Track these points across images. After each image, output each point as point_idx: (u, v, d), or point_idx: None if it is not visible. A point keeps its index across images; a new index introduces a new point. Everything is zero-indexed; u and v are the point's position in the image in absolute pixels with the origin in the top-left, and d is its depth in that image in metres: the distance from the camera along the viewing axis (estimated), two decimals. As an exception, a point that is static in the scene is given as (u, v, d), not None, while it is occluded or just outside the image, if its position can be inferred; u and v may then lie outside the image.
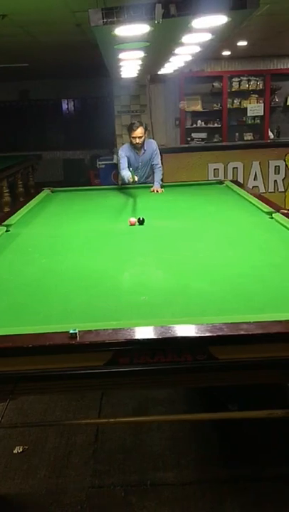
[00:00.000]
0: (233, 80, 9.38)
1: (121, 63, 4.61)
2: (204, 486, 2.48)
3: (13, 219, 3.85)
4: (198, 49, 3.99)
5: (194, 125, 9.56)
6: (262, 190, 7.28)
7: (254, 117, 9.47)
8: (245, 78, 9.37)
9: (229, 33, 3.67)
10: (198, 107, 9.50)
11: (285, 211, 3.69)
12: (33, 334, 1.85)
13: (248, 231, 3.37)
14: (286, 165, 7.35)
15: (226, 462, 2.65)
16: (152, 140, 5.55)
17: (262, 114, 9.38)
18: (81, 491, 2.48)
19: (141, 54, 4.01)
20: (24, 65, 7.96)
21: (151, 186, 5.11)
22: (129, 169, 5.01)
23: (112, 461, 2.67)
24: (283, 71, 9.41)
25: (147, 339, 1.83)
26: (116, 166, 6.79)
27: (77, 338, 1.78)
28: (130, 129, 5.04)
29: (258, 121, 9.52)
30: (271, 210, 3.75)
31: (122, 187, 5.35)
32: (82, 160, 11.69)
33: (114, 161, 7.82)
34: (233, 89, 9.41)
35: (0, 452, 2.79)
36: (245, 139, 9.54)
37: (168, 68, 5.98)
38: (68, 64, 8.57)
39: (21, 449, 2.80)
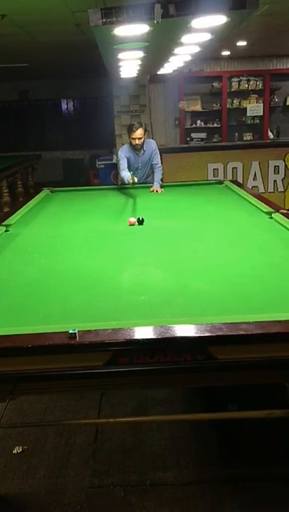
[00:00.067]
0: (233, 80, 9.38)
1: (120, 63, 4.60)
2: (204, 486, 2.48)
3: (12, 219, 3.85)
4: (197, 49, 3.99)
5: (194, 125, 9.56)
6: (261, 190, 7.28)
7: (253, 117, 9.47)
8: (244, 78, 9.38)
9: (228, 33, 3.66)
10: (198, 107, 9.50)
11: (285, 211, 3.69)
12: (33, 334, 1.85)
13: (247, 231, 3.37)
14: (285, 165, 7.35)
15: (225, 462, 2.65)
16: (151, 140, 5.55)
17: (261, 114, 9.38)
18: (80, 491, 2.48)
19: (140, 54, 4.01)
20: (24, 65, 7.96)
21: (151, 186, 5.11)
22: (129, 170, 5.01)
23: (112, 461, 2.67)
24: (283, 71, 9.42)
25: (147, 339, 1.83)
26: (115, 166, 6.79)
27: (77, 338, 1.78)
28: (130, 130, 5.04)
29: (258, 121, 9.52)
30: (271, 210, 3.75)
31: (122, 187, 5.35)
32: (81, 160, 11.70)
33: (114, 161, 7.82)
34: (233, 89, 9.42)
35: (-1, 452, 2.80)
36: (244, 139, 9.54)
37: (167, 68, 5.98)
38: (68, 64, 8.57)
39: (21, 449, 2.80)
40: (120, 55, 3.98)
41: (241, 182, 6.64)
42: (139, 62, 4.59)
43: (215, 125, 9.52)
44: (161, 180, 5.30)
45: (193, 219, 3.85)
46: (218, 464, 2.64)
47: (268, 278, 2.45)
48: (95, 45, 3.77)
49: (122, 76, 6.02)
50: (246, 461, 2.65)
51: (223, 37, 3.77)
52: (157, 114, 9.20)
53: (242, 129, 9.65)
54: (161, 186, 5.15)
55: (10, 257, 2.99)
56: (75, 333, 1.79)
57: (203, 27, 2.98)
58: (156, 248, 3.07)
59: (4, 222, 3.70)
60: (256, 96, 9.43)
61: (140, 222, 3.59)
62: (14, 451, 2.79)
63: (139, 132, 4.97)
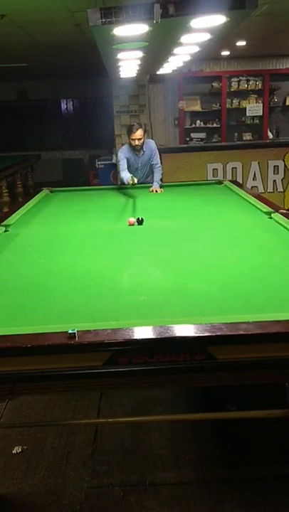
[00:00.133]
0: (232, 80, 9.40)
1: (120, 63, 4.60)
2: (203, 485, 2.48)
3: (12, 219, 3.85)
4: (197, 49, 3.99)
5: (193, 125, 9.57)
6: (261, 190, 7.28)
7: (253, 117, 9.48)
8: (244, 78, 9.40)
9: (228, 33, 3.66)
10: (198, 107, 9.51)
11: (284, 211, 3.70)
12: (32, 334, 1.85)
13: (247, 231, 3.37)
14: (285, 165, 7.35)
15: (225, 462, 2.65)
16: (151, 140, 5.55)
17: (261, 114, 9.39)
18: (80, 491, 2.48)
19: (140, 54, 4.01)
20: (23, 65, 7.96)
21: (151, 186, 5.11)
22: (129, 171, 5.01)
23: (111, 461, 2.67)
24: (282, 71, 9.43)
25: (146, 339, 1.83)
26: (115, 166, 6.79)
27: (76, 338, 1.78)
28: (130, 131, 5.04)
29: (257, 121, 9.53)
30: (270, 210, 3.75)
31: (121, 187, 5.35)
32: (81, 160, 11.70)
33: (114, 161, 7.83)
34: (232, 89, 9.43)
35: (-1, 452, 2.80)
36: (244, 139, 9.55)
37: (167, 68, 5.98)
38: (67, 64, 8.57)
39: (20, 449, 2.80)
40: (120, 55, 3.98)
41: (241, 182, 6.64)
42: (139, 62, 4.59)
43: (214, 125, 9.53)
44: (161, 180, 5.30)
45: (192, 219, 3.85)
46: (218, 464, 2.64)
47: (268, 278, 2.45)
48: (94, 45, 3.77)
49: (121, 76, 6.02)
50: (246, 461, 2.65)
51: (223, 37, 3.77)
52: (157, 114, 9.21)
53: (241, 129, 9.67)
54: (161, 186, 5.15)
55: (9, 257, 2.99)
56: (75, 333, 1.79)
57: (203, 27, 2.98)
58: (156, 248, 3.07)
59: (4, 223, 3.70)
60: (256, 96, 9.44)
61: (140, 222, 3.59)
62: (14, 451, 2.79)
63: (138, 133, 4.97)
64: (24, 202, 4.70)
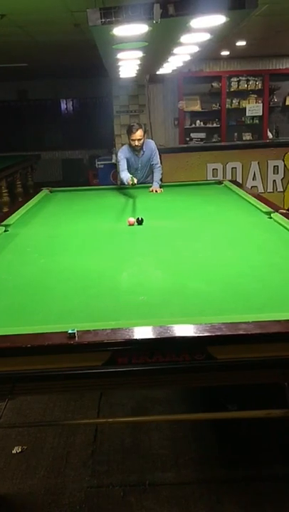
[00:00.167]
0: (232, 80, 9.40)
1: (119, 63, 4.60)
2: (203, 485, 2.48)
3: (11, 219, 3.85)
4: (196, 49, 3.99)
5: (193, 125, 9.57)
6: (261, 190, 7.28)
7: (253, 117, 9.49)
8: (243, 78, 9.40)
9: (228, 33, 3.67)
10: (197, 107, 9.51)
11: (284, 211, 3.69)
12: (32, 334, 1.84)
13: (246, 231, 3.37)
14: (285, 165, 7.35)
15: (224, 462, 2.65)
16: (150, 140, 5.55)
17: (261, 114, 9.39)
18: (80, 491, 2.48)
19: (139, 54, 4.01)
20: (23, 65, 7.96)
21: (150, 186, 5.11)
22: (129, 171, 5.01)
23: (111, 461, 2.67)
24: (282, 71, 9.43)
25: (146, 339, 1.83)
26: (115, 166, 6.79)
27: (76, 338, 1.78)
28: (129, 131, 5.04)
29: (257, 121, 9.54)
30: (270, 210, 3.75)
31: (121, 187, 5.35)
32: (81, 160, 11.70)
33: (113, 161, 7.82)
34: (232, 89, 9.43)
35: (-1, 452, 2.80)
36: (244, 138, 9.55)
37: (167, 68, 5.98)
38: (67, 64, 8.57)
39: (20, 449, 2.80)
40: (119, 55, 3.98)
41: (240, 182, 6.64)
42: (139, 62, 4.59)
43: (214, 125, 9.53)
44: (161, 180, 5.30)
45: (192, 219, 3.85)
46: (218, 464, 2.64)
47: (268, 278, 2.45)
48: (94, 45, 3.77)
49: (121, 76, 6.02)
50: (246, 461, 2.65)
51: (222, 37, 3.77)
52: (156, 114, 9.21)
53: (241, 129, 9.67)
54: (161, 186, 5.15)
55: (9, 257, 2.99)
56: (74, 333, 1.79)
57: (202, 27, 2.98)
58: (156, 248, 3.07)
59: (3, 222, 3.70)
60: (255, 96, 9.45)
61: (139, 222, 3.59)
62: (13, 451, 2.79)
63: (138, 133, 4.97)
64: (24, 202, 4.70)
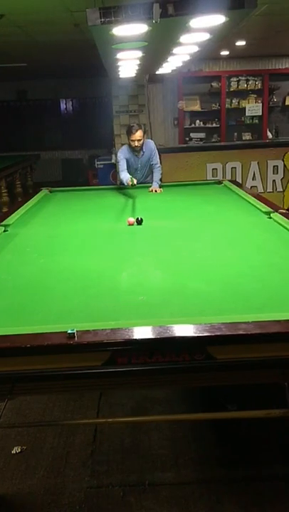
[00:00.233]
0: (232, 79, 9.40)
1: (119, 63, 4.60)
2: (203, 485, 2.48)
3: (11, 219, 3.85)
4: (196, 49, 3.99)
5: (193, 125, 9.57)
6: (260, 190, 7.28)
7: (252, 117, 9.49)
8: (243, 78, 9.40)
9: (227, 33, 3.66)
10: (197, 107, 9.51)
11: (284, 211, 3.69)
12: (31, 334, 1.84)
13: (246, 231, 3.37)
14: (284, 165, 7.36)
15: (224, 462, 2.65)
16: (150, 140, 5.54)
17: (260, 113, 9.40)
18: (79, 491, 2.48)
19: (139, 54, 4.00)
20: (22, 65, 7.96)
21: (150, 186, 5.11)
22: (129, 171, 5.01)
23: (111, 461, 2.67)
24: (281, 71, 9.44)
25: (145, 339, 1.83)
26: (114, 166, 6.79)
27: (76, 338, 1.78)
28: (129, 132, 5.04)
29: (257, 121, 9.54)
30: (269, 209, 3.75)
31: (121, 187, 5.35)
32: (80, 160, 11.70)
33: (113, 161, 7.82)
34: (232, 89, 9.43)
35: (-2, 452, 2.79)
36: (243, 138, 9.56)
37: (166, 68, 5.98)
38: (66, 64, 8.57)
39: (19, 449, 2.80)
40: (119, 55, 3.98)
41: (240, 182, 6.64)
42: (138, 62, 4.59)
43: (214, 125, 9.53)
44: (160, 180, 5.30)
45: (192, 219, 3.85)
46: (218, 464, 2.64)
47: (267, 278, 2.45)
48: (93, 45, 3.77)
49: (120, 76, 6.02)
50: (245, 461, 2.64)
51: (222, 37, 3.77)
52: (156, 114, 9.21)
53: (241, 129, 9.67)
54: (160, 186, 5.15)
55: (8, 257, 2.99)
56: (74, 333, 1.79)
57: (202, 27, 2.98)
58: (155, 248, 3.07)
59: (3, 222, 3.70)
60: (255, 96, 9.45)
61: (139, 222, 3.59)
62: (13, 452, 2.78)
63: (138, 134, 4.97)
64: (23, 202, 4.70)
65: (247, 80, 9.40)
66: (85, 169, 11.06)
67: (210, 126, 9.54)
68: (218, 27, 3.02)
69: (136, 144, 5.01)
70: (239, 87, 9.41)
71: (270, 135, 9.55)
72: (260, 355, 1.88)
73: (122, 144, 5.56)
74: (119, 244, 3.22)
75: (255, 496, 2.40)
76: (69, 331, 1.79)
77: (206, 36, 3.35)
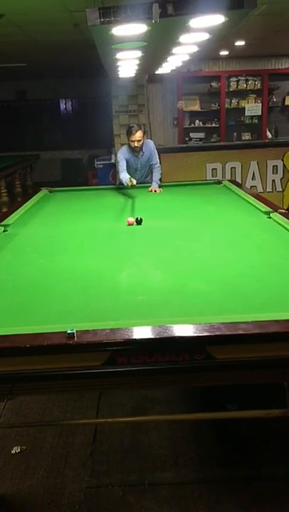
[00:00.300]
0: (231, 79, 9.40)
1: (118, 63, 4.60)
2: (202, 485, 2.48)
3: (10, 219, 3.85)
4: (195, 49, 3.99)
5: (192, 125, 9.57)
6: (260, 189, 7.28)
7: (252, 117, 9.49)
8: (243, 78, 9.40)
9: (227, 33, 3.67)
10: (196, 107, 9.51)
11: (283, 211, 3.70)
12: (31, 334, 1.84)
13: (246, 231, 3.37)
14: (284, 164, 7.36)
15: (224, 462, 2.65)
16: (150, 140, 5.54)
17: (260, 113, 9.40)
18: (79, 491, 2.48)
19: (138, 54, 4.01)
20: (22, 65, 7.96)
21: (150, 186, 5.11)
22: (128, 171, 5.01)
23: (110, 461, 2.67)
24: (281, 71, 9.43)
25: (145, 339, 1.83)
26: (114, 166, 6.79)
27: (75, 338, 1.78)
28: (129, 132, 5.04)
29: (256, 121, 9.54)
30: (269, 209, 3.75)
31: (120, 187, 5.35)
32: (80, 160, 11.69)
33: (112, 161, 7.82)
34: (231, 89, 9.43)
35: (-2, 453, 2.79)
36: (243, 138, 9.55)
37: (166, 68, 5.98)
38: (66, 64, 8.57)
39: (19, 449, 2.80)
40: (118, 55, 3.98)
41: (240, 182, 6.64)
42: (138, 61, 4.59)
43: (213, 125, 9.53)
44: (160, 180, 5.30)
45: (191, 219, 3.85)
46: (218, 464, 2.64)
47: (267, 278, 2.45)
48: (93, 45, 3.77)
49: (120, 76, 6.02)
50: (245, 461, 2.64)
51: (221, 36, 3.77)
52: (156, 114, 9.21)
53: (240, 129, 9.67)
54: (160, 186, 5.15)
55: (8, 257, 2.99)
56: (74, 333, 1.79)
57: (202, 27, 2.98)
58: (155, 248, 3.07)
59: (2, 222, 3.70)
60: (254, 96, 9.45)
61: (138, 222, 3.59)
62: (12, 452, 2.78)
63: (138, 135, 4.97)
64: (23, 202, 4.70)
65: (246, 80, 9.39)
66: (84, 169, 11.06)
67: (209, 126, 9.53)
68: (218, 27, 3.03)
69: (136, 145, 5.02)
70: (239, 87, 9.41)
71: (269, 135, 9.55)
72: (259, 355, 1.88)
73: (122, 144, 5.56)
74: (118, 244, 3.22)
75: (255, 496, 2.40)
76: (69, 331, 1.79)
77: (205, 36, 3.35)
